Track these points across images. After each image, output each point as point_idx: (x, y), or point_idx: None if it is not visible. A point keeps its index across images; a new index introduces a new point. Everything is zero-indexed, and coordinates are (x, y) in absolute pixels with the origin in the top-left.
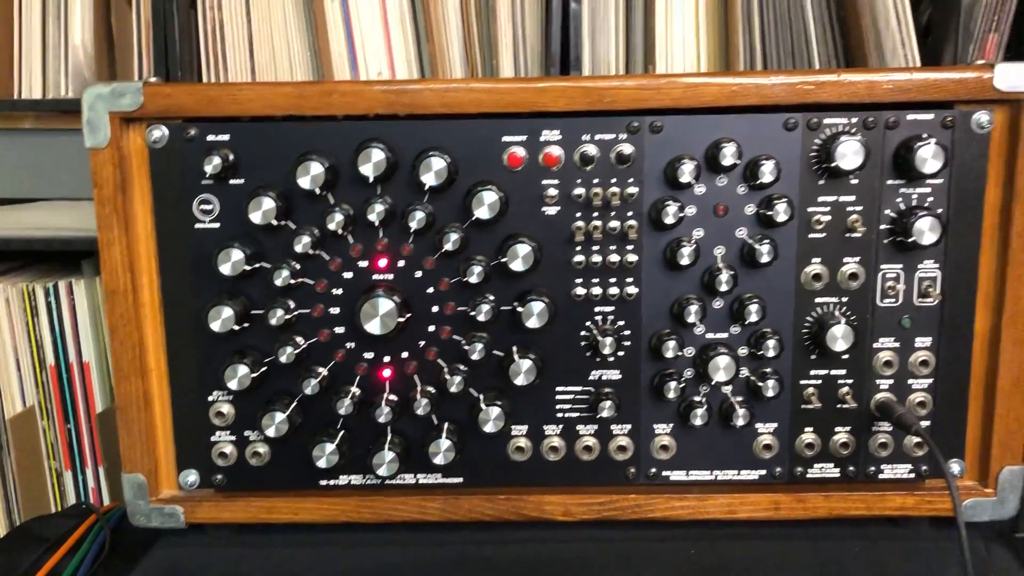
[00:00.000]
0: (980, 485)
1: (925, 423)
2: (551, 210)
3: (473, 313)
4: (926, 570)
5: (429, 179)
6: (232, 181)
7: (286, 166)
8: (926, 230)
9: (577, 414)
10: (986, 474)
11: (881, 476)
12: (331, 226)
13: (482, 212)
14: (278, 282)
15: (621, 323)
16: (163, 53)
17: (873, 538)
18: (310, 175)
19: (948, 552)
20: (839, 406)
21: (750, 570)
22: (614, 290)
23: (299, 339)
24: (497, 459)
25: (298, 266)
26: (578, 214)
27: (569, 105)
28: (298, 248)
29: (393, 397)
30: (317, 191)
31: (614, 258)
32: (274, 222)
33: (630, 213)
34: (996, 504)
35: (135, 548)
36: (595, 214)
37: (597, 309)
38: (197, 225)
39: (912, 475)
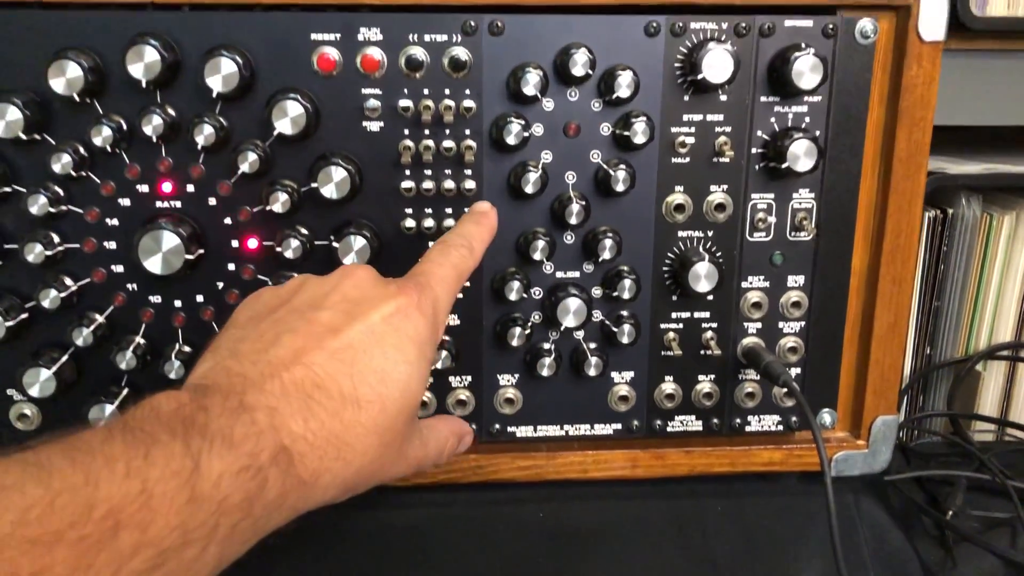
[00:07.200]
0: (852, 436)
1: (796, 370)
2: (373, 126)
3: (280, 249)
4: (793, 528)
5: (216, 84)
6: None
7: (37, 65)
8: (801, 155)
9: None
10: (859, 425)
11: (748, 429)
12: (98, 141)
13: (284, 126)
14: (34, 210)
15: None
16: None
17: (738, 495)
18: (66, 77)
19: (817, 508)
20: (703, 353)
21: (604, 534)
22: (450, 222)
23: (67, 280)
24: None
25: (60, 191)
26: (406, 131)
27: None
28: (57, 168)
29: (187, 349)
30: (76, 97)
31: (449, 184)
32: (23, 135)
33: (467, 131)
34: (868, 456)
35: None
36: (426, 131)
37: (431, 244)
38: None
39: (781, 427)
